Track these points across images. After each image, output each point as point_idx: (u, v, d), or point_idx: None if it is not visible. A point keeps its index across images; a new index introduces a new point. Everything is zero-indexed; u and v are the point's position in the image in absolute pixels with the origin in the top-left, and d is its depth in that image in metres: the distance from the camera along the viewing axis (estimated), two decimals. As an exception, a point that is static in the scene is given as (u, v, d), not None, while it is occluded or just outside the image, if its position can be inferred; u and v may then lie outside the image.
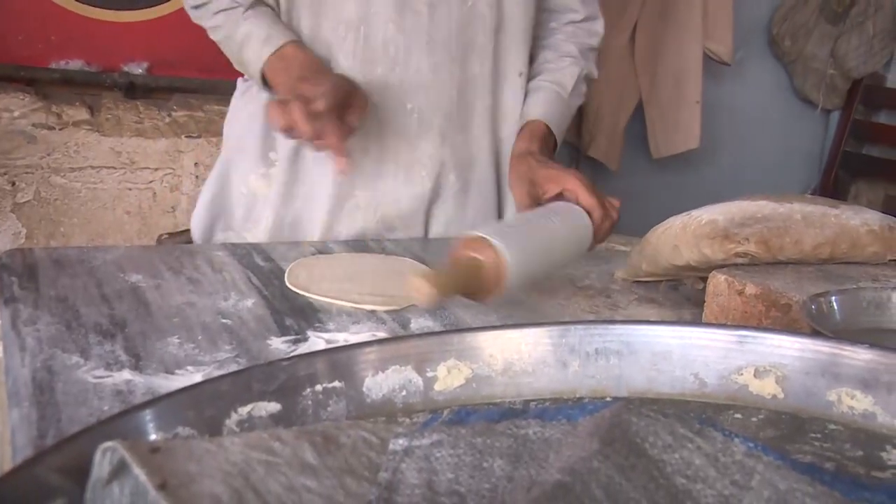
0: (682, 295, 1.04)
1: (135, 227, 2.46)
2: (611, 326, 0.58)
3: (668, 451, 0.38)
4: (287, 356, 0.63)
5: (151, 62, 2.58)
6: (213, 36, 1.26)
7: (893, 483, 0.41)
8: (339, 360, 0.54)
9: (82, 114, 2.39)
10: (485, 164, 1.32)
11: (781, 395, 0.54)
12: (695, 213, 0.93)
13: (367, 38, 1.21)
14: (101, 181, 2.43)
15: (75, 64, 2.47)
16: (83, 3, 2.52)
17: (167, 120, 2.51)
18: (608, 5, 2.45)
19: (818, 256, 0.85)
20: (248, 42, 1.19)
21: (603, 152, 2.76)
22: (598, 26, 1.38)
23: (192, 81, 2.59)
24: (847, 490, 0.37)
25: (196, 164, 2.55)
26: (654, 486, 0.36)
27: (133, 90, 2.50)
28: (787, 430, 0.52)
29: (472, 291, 0.81)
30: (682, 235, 0.90)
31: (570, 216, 0.96)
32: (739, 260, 0.84)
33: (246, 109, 1.32)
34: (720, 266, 0.86)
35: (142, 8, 2.60)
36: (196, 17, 1.27)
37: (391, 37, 1.21)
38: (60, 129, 2.37)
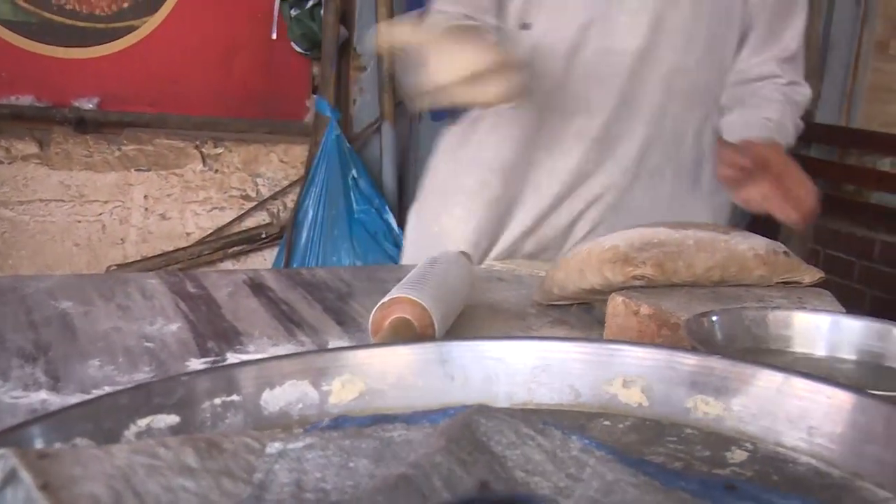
0: (593, 317, 1.08)
1: (84, 259, 2.47)
2: (495, 342, 0.62)
3: (511, 448, 0.42)
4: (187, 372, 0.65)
5: (102, 97, 2.60)
6: None
7: (708, 475, 0.45)
8: (238, 375, 0.57)
9: (31, 148, 2.40)
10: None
11: (646, 404, 0.58)
12: (601, 239, 0.97)
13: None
14: (50, 214, 2.44)
15: (25, 99, 2.49)
16: (34, 40, 2.54)
17: (117, 154, 2.52)
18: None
19: (710, 279, 0.90)
20: None
21: None
22: (805, 89, 1.41)
23: (142, 116, 2.62)
24: (666, 480, 0.40)
25: (146, 196, 2.57)
26: (492, 477, 0.40)
27: (83, 125, 2.52)
28: (649, 435, 0.56)
29: None
30: (587, 260, 0.95)
31: (456, 262, 1.03)
32: (637, 282, 0.89)
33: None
34: (621, 288, 0.90)
35: (93, 45, 2.62)
36: None
37: None
38: (9, 164, 2.37)
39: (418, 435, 0.45)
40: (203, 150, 2.63)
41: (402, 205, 2.84)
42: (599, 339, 0.84)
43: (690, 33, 1.32)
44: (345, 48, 2.75)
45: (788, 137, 1.34)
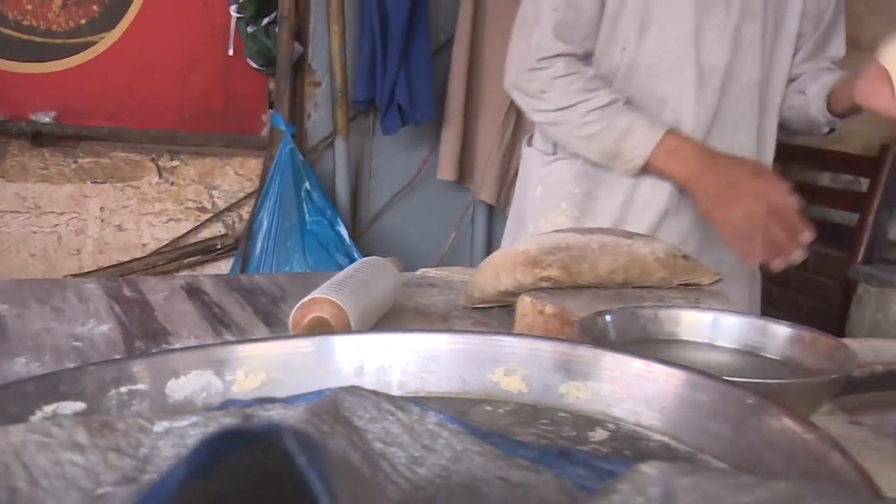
0: (512, 319, 1.12)
1: (39, 270, 2.47)
2: (390, 335, 0.65)
3: (372, 423, 0.45)
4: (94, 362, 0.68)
5: (59, 111, 2.61)
6: (573, 132, 1.38)
7: (546, 445, 0.48)
8: (143, 364, 0.60)
9: (-13, 160, 2.41)
10: None
11: (525, 390, 0.62)
12: (517, 244, 1.01)
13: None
14: (6, 225, 2.44)
15: (-19, 113, 2.50)
16: (-8, 55, 2.55)
17: (73, 166, 2.53)
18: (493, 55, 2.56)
19: (614, 281, 0.94)
20: (635, 127, 1.32)
21: (493, 195, 2.86)
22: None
23: (99, 130, 2.63)
24: (508, 449, 0.44)
25: (102, 208, 2.58)
26: (350, 447, 0.43)
27: (40, 138, 2.52)
28: (525, 418, 0.59)
29: None
30: (502, 264, 0.99)
31: (381, 267, 1.06)
32: (545, 284, 0.93)
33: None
34: (531, 290, 0.94)
35: (50, 60, 2.63)
36: (556, 120, 1.39)
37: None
38: (-35, 176, 2.38)
39: (294, 413, 0.48)
40: (159, 163, 2.65)
41: (355, 217, 2.87)
42: (485, 332, 0.88)
43: (763, 46, 1.39)
44: (300, 64, 2.78)
45: None
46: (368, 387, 0.65)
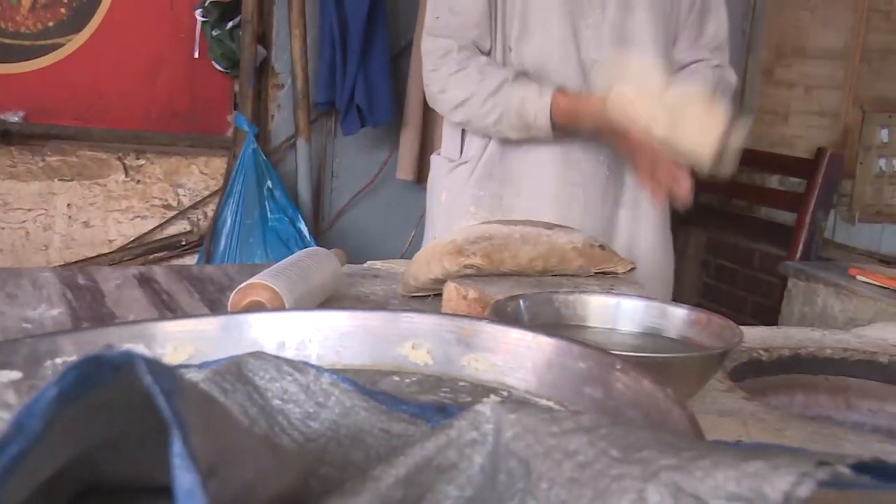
0: (446, 306, 1.16)
1: (7, 265, 2.49)
2: (310, 313, 0.70)
3: (272, 382, 0.50)
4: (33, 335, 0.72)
5: (28, 111, 2.62)
6: (482, 122, 1.43)
7: (426, 402, 0.53)
8: (78, 338, 0.64)
9: (-45, 158, 2.42)
10: None
11: (431, 363, 0.66)
12: (447, 234, 1.06)
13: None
14: (-26, 221, 2.45)
15: (-50, 112, 2.50)
16: (-39, 55, 2.56)
17: (41, 164, 2.55)
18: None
19: (534, 269, 0.99)
20: (526, 102, 1.36)
21: (411, 172, 2.90)
22: (732, 75, 1.55)
23: (67, 129, 2.64)
24: (392, 405, 0.49)
25: (69, 205, 2.60)
26: (249, 403, 0.47)
27: (8, 137, 2.53)
28: (428, 387, 0.64)
29: None
30: (432, 253, 1.03)
31: (323, 257, 1.10)
32: (469, 271, 0.97)
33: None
34: (457, 277, 0.99)
35: (19, 61, 2.64)
36: (463, 118, 1.45)
37: None
38: (-67, 172, 2.38)
39: (201, 374, 0.52)
40: (126, 161, 2.67)
41: (317, 214, 2.91)
42: (396, 309, 0.93)
43: (652, 37, 1.45)
44: (264, 67, 2.81)
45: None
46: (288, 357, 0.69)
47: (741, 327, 1.09)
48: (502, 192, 1.46)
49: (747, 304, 3.17)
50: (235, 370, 0.49)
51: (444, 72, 1.43)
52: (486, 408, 0.37)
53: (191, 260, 2.74)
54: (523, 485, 0.33)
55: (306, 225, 2.61)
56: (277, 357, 0.52)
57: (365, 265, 1.47)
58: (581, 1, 1.42)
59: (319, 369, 0.51)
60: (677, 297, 3.58)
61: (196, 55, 2.81)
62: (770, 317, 2.54)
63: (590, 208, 1.43)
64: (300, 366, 0.51)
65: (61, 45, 2.63)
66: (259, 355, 0.51)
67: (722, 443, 0.68)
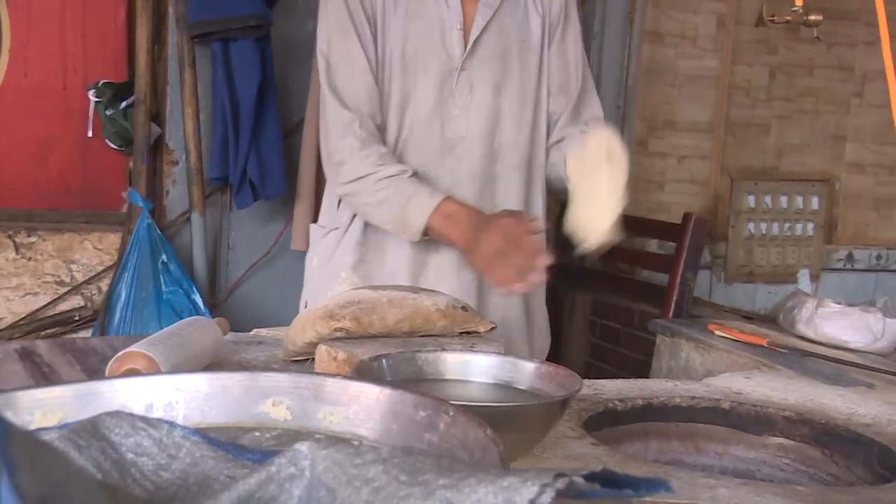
0: (325, 370, 1.20)
1: None
2: (177, 376, 0.73)
3: (126, 437, 0.53)
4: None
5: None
6: (365, 199, 1.47)
7: (268, 449, 0.57)
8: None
9: None
10: None
11: (290, 418, 0.70)
12: (322, 300, 1.10)
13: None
14: None
15: None
16: None
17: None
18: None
19: (401, 330, 1.04)
20: (413, 200, 1.41)
21: (305, 243, 2.94)
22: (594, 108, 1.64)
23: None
24: (237, 453, 0.52)
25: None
26: (103, 458, 0.51)
27: None
28: (286, 441, 0.67)
29: None
30: (307, 318, 1.07)
31: (203, 326, 1.13)
32: (340, 334, 1.02)
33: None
34: (329, 340, 1.03)
35: None
36: (352, 190, 1.48)
37: None
38: None
39: (58, 433, 0.55)
40: (16, 239, 2.63)
41: (214, 286, 2.91)
42: (258, 369, 0.97)
43: (520, 115, 1.55)
44: (158, 144, 2.82)
45: None
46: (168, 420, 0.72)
47: (602, 380, 1.17)
48: (369, 259, 1.52)
49: (629, 361, 3.28)
50: (91, 428, 0.52)
51: (348, 144, 1.49)
52: (303, 446, 0.41)
53: (85, 335, 2.69)
54: (331, 510, 0.38)
55: (201, 297, 2.61)
56: (132, 415, 0.55)
57: (251, 333, 1.49)
58: (450, 84, 1.51)
59: (172, 424, 0.54)
60: (565, 357, 3.68)
61: (90, 134, 2.81)
62: (647, 372, 2.65)
63: (442, 275, 1.50)
64: (154, 422, 0.54)
65: (-49, 124, 2.60)
66: (116, 414, 0.55)
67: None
